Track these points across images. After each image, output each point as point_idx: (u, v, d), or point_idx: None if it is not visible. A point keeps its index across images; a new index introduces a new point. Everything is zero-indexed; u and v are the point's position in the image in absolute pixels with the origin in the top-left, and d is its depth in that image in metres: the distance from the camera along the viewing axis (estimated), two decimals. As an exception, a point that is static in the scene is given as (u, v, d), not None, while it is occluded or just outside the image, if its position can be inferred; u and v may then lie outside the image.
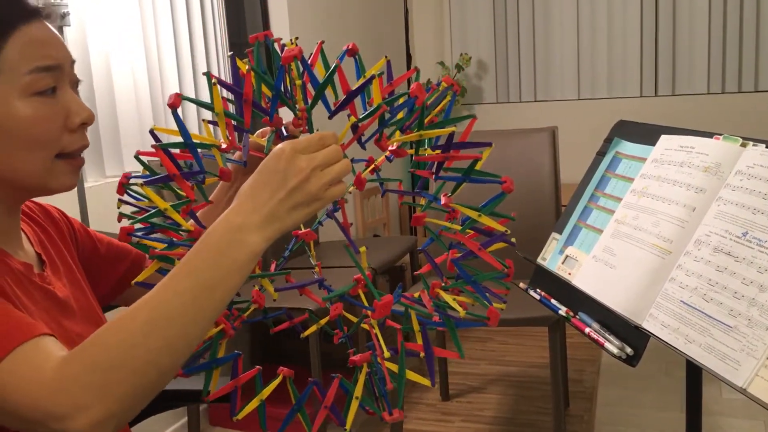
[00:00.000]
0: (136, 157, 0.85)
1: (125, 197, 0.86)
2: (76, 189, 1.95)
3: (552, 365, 2.15)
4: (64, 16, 1.89)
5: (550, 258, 1.38)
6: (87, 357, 0.67)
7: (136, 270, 1.05)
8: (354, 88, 0.82)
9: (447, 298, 0.87)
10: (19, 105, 0.80)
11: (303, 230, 0.92)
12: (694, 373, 1.29)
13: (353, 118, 0.82)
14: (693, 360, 1.01)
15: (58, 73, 0.83)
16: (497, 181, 0.84)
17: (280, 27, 3.23)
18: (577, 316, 1.26)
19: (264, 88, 0.84)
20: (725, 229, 1.05)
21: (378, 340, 0.85)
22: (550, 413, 2.21)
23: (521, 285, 1.41)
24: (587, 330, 1.22)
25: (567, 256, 1.33)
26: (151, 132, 0.83)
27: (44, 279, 0.89)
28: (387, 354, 0.85)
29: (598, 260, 1.25)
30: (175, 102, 0.79)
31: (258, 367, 0.87)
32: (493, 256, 0.88)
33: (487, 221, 0.86)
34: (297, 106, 0.85)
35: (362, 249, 0.86)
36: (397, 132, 0.85)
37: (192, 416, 2.40)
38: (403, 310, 0.87)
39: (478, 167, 0.85)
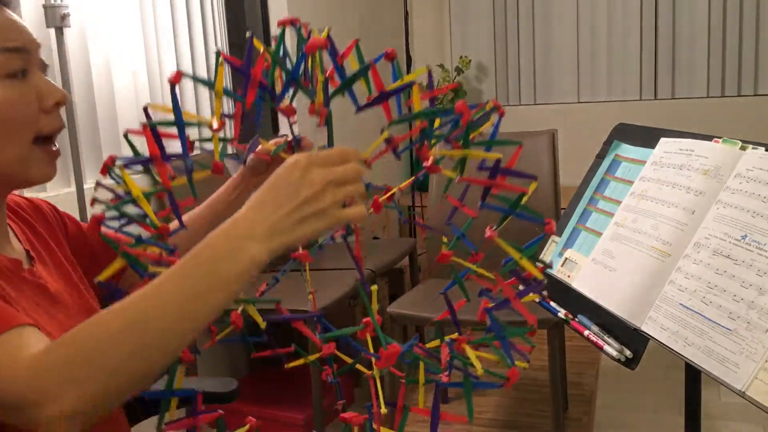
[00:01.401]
0: (125, 136, 0.81)
1: (106, 182, 0.80)
2: (75, 191, 1.95)
3: (551, 368, 2.15)
4: (63, 17, 1.89)
5: (549, 261, 1.38)
6: (62, 350, 0.66)
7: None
8: (394, 88, 0.76)
9: (471, 354, 0.81)
10: None
11: (301, 251, 0.89)
12: (693, 376, 1.29)
13: (386, 133, 0.77)
14: (692, 363, 1.01)
15: (25, 56, 0.83)
16: (540, 221, 0.78)
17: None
18: (577, 319, 1.26)
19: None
20: (724, 231, 1.05)
21: (377, 395, 0.80)
22: (549, 416, 2.22)
23: (520, 287, 1.41)
24: (586, 333, 1.22)
25: (566, 259, 1.33)
26: (145, 110, 0.78)
27: (34, 274, 0.89)
28: (384, 411, 0.79)
29: (598, 263, 1.25)
30: (176, 78, 0.75)
31: (220, 411, 0.82)
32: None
33: (528, 266, 0.79)
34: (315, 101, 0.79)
35: (374, 288, 0.77)
36: (433, 149, 0.79)
37: (190, 418, 2.39)
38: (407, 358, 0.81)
39: (523, 201, 0.79)
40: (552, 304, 1.33)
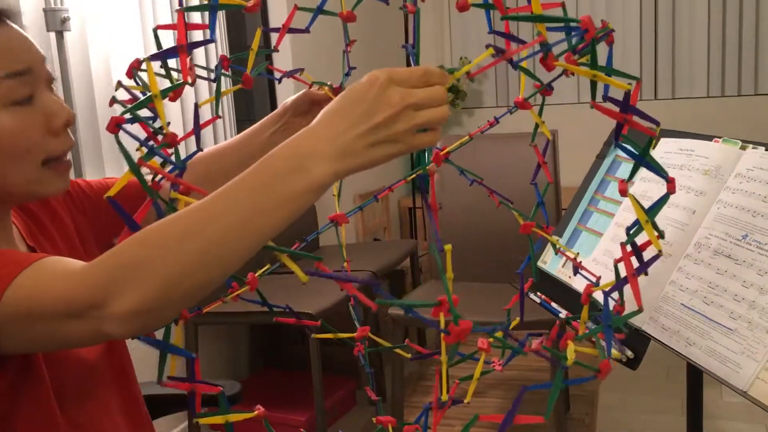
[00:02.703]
0: (154, 30, 0.79)
1: (128, 85, 0.76)
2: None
3: (552, 369, 2.15)
4: (63, 21, 1.90)
5: (550, 261, 1.37)
6: (121, 253, 0.65)
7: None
8: None
9: (571, 348, 0.74)
10: None
11: (338, 212, 0.87)
12: (695, 376, 1.29)
13: (491, 50, 0.69)
14: (694, 363, 1.00)
15: (31, 77, 0.81)
16: (664, 177, 0.69)
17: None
18: (578, 319, 1.26)
19: None
20: (725, 231, 1.05)
21: (441, 383, 0.71)
22: (551, 417, 2.21)
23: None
24: (588, 333, 1.22)
25: (567, 260, 1.33)
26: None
27: None
28: (445, 398, 0.70)
29: (599, 263, 1.25)
30: None
31: (220, 387, 0.76)
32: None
33: (650, 233, 0.69)
34: None
35: (447, 247, 0.65)
36: (552, 64, 0.69)
37: (192, 420, 2.40)
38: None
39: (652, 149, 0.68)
40: (553, 304, 1.33)
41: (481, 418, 0.68)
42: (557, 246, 0.84)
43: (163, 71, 0.78)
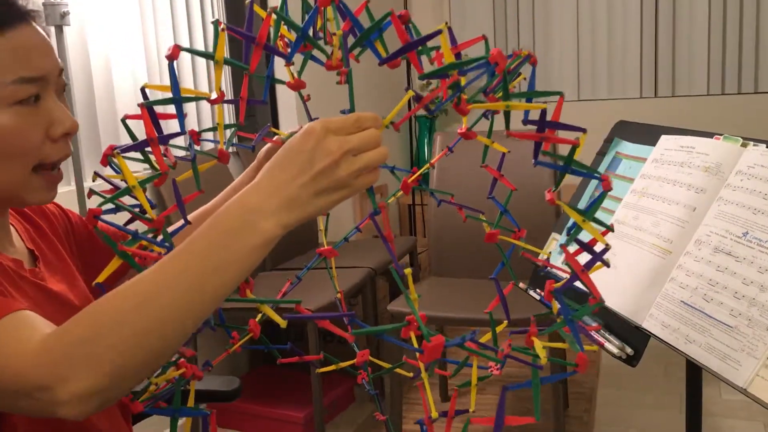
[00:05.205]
0: (123, 121, 0.79)
1: (107, 173, 0.77)
2: (75, 189, 1.95)
3: (551, 366, 2.15)
4: (63, 15, 1.89)
5: (549, 258, 1.37)
6: (74, 330, 0.64)
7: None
8: (417, 39, 0.71)
9: (538, 345, 0.76)
10: None
11: (326, 247, 0.88)
12: (694, 373, 1.29)
13: (411, 92, 0.73)
14: (693, 360, 1.00)
15: (42, 83, 0.79)
16: (596, 177, 0.73)
17: (280, 27, 3.23)
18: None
19: (288, 34, 0.76)
20: (726, 229, 1.05)
21: (427, 398, 0.73)
22: (550, 414, 2.22)
23: (521, 285, 1.41)
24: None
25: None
26: (142, 90, 0.76)
27: (36, 275, 0.88)
28: (435, 415, 0.71)
29: (598, 260, 1.25)
30: (174, 53, 0.71)
31: None
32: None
33: (590, 230, 0.72)
34: (331, 53, 0.75)
35: (408, 271, 0.71)
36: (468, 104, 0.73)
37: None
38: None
39: (576, 156, 0.72)
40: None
41: (473, 420, 0.70)
42: (523, 248, 0.86)
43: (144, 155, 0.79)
